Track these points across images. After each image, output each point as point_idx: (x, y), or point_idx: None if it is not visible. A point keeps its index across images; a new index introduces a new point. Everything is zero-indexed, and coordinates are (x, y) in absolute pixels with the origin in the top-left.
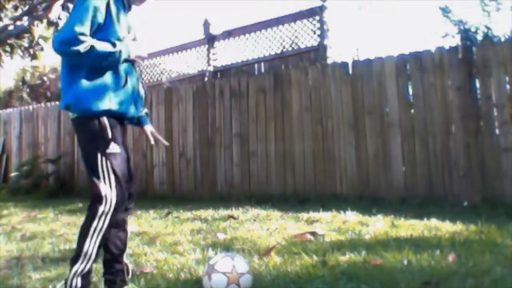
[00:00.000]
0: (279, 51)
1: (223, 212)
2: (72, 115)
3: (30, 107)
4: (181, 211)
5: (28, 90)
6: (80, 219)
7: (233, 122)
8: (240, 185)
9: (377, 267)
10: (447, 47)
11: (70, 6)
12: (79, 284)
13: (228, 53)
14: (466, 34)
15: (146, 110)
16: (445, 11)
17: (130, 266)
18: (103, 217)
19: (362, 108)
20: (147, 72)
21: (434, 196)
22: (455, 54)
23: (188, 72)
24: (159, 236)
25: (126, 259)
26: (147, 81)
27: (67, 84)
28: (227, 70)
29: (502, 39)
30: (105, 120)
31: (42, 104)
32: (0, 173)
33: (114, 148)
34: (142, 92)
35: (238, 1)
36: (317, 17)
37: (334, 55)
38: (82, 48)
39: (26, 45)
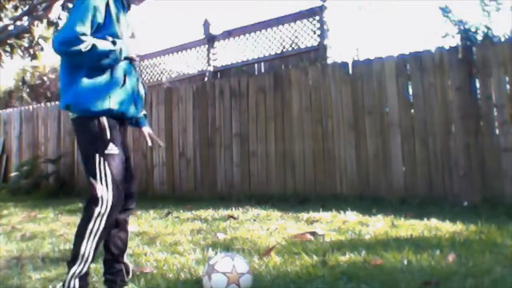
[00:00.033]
0: (279, 51)
1: (223, 212)
2: (72, 115)
3: (30, 107)
4: (181, 211)
5: (28, 90)
6: None
7: (233, 122)
8: (240, 185)
9: (377, 267)
10: (447, 47)
11: (70, 6)
12: (76, 286)
13: (228, 53)
14: (466, 34)
15: (144, 111)
16: (445, 11)
17: (131, 266)
18: (99, 218)
19: (362, 108)
20: (147, 72)
21: (434, 196)
22: (455, 54)
23: (188, 72)
24: (159, 236)
25: (126, 259)
26: (147, 81)
27: (67, 84)
28: (227, 70)
29: (502, 39)
30: (104, 120)
31: (42, 104)
32: (0, 173)
33: (112, 149)
34: (142, 92)
35: (238, 1)
36: (317, 17)
37: (334, 55)
38: (83, 47)
39: (26, 45)
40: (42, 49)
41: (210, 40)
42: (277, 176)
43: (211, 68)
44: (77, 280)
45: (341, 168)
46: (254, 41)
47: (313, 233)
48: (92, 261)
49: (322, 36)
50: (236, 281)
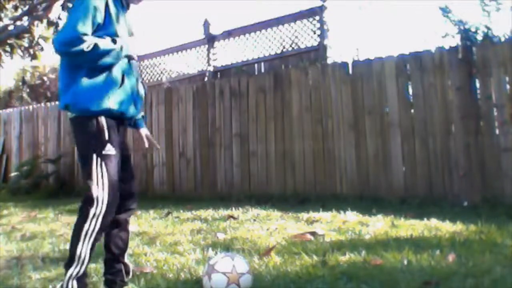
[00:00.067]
0: (279, 51)
1: (223, 212)
2: (70, 114)
3: (30, 107)
4: (181, 211)
5: (28, 90)
6: None
7: (233, 122)
8: (240, 185)
9: (377, 267)
10: (447, 47)
11: (70, 6)
12: (75, 287)
13: (228, 53)
14: (466, 34)
15: (142, 113)
16: (445, 11)
17: (131, 266)
18: (94, 219)
19: (362, 108)
20: (147, 72)
21: (434, 196)
22: (455, 54)
23: (188, 72)
24: (159, 236)
25: (126, 260)
26: (147, 81)
27: (66, 84)
28: (227, 70)
29: (502, 39)
30: (103, 120)
31: (42, 104)
32: (0, 173)
33: (110, 149)
34: (142, 92)
35: (238, 1)
36: (317, 17)
37: (334, 55)
38: (85, 47)
39: (26, 45)
40: (42, 49)
41: (210, 40)
42: (277, 176)
43: (211, 68)
44: (75, 281)
45: (341, 168)
46: (254, 41)
47: (313, 233)
48: (89, 261)
49: (322, 36)
50: (236, 281)
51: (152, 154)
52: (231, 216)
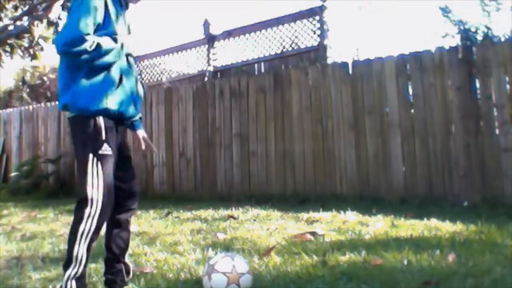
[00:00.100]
0: (279, 51)
1: (223, 212)
2: (69, 114)
3: (30, 107)
4: (181, 211)
5: (28, 90)
6: None
7: (233, 122)
8: (240, 185)
9: (377, 267)
10: (447, 47)
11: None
12: (74, 287)
13: (228, 53)
14: (466, 34)
15: (140, 115)
16: (445, 11)
17: (131, 266)
18: (89, 219)
19: (362, 108)
20: (147, 72)
21: (434, 196)
22: (455, 54)
23: (188, 72)
24: (159, 236)
25: (127, 259)
26: (147, 81)
27: (66, 84)
28: (227, 70)
29: (502, 39)
30: (101, 120)
31: (42, 104)
32: (0, 173)
33: (106, 150)
34: (141, 92)
35: (238, 1)
36: (317, 17)
37: (334, 55)
38: (88, 46)
39: (26, 45)
40: (42, 49)
41: (210, 40)
42: (277, 176)
43: (211, 68)
44: (73, 282)
45: (341, 168)
46: (254, 41)
47: (313, 233)
48: (87, 262)
49: (322, 36)
50: (236, 281)
51: (152, 154)
52: (231, 216)
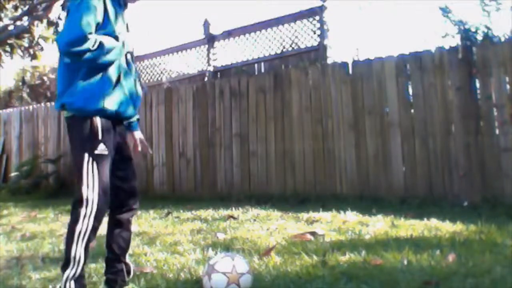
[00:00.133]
0: (279, 51)
1: (223, 212)
2: (66, 113)
3: (30, 107)
4: (181, 211)
5: (28, 90)
6: None
7: (233, 122)
8: (240, 185)
9: (377, 267)
10: (447, 47)
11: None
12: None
13: (228, 53)
14: (466, 34)
15: (138, 116)
16: (445, 11)
17: (132, 266)
18: (86, 220)
19: (362, 108)
20: (147, 72)
21: (434, 196)
22: (455, 54)
23: (188, 72)
24: (159, 236)
25: (127, 259)
26: (147, 81)
27: (65, 84)
28: (227, 70)
29: (502, 39)
30: (97, 120)
31: (42, 104)
32: (0, 173)
33: (102, 150)
34: (140, 92)
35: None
36: (317, 17)
37: (334, 55)
38: (91, 45)
39: (26, 45)
40: (42, 49)
41: (210, 40)
42: (277, 176)
43: (211, 68)
44: (72, 282)
45: (341, 168)
46: (254, 41)
47: (313, 233)
48: (85, 262)
49: (322, 36)
50: (236, 281)
51: (152, 154)
52: (231, 216)
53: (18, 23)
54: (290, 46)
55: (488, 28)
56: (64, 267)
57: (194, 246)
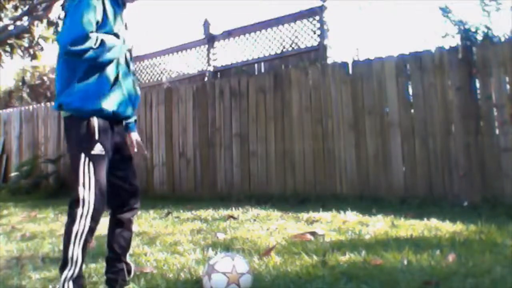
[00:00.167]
0: (279, 51)
1: (223, 212)
2: (64, 113)
3: (30, 107)
4: (181, 211)
5: (28, 90)
6: None
7: (233, 122)
8: (240, 185)
9: (377, 267)
10: (447, 47)
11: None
12: None
13: (228, 53)
14: (466, 34)
15: (135, 117)
16: (445, 11)
17: (132, 266)
18: (82, 220)
19: (362, 108)
20: (147, 72)
21: (434, 196)
22: (455, 54)
23: (188, 72)
24: (159, 236)
25: (128, 259)
26: (147, 81)
27: (63, 85)
28: (227, 70)
29: (502, 39)
30: (95, 121)
31: (42, 104)
32: (0, 173)
33: (99, 150)
34: (139, 92)
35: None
36: (317, 17)
37: (334, 55)
38: (93, 44)
39: (26, 45)
40: (42, 49)
41: (210, 40)
42: (277, 176)
43: (211, 68)
44: (71, 283)
45: (341, 168)
46: (254, 41)
47: (313, 233)
48: (83, 262)
49: (322, 36)
50: (236, 281)
51: (152, 154)
52: (231, 216)
53: (18, 23)
54: (290, 46)
55: (488, 28)
56: (62, 268)
57: (194, 246)
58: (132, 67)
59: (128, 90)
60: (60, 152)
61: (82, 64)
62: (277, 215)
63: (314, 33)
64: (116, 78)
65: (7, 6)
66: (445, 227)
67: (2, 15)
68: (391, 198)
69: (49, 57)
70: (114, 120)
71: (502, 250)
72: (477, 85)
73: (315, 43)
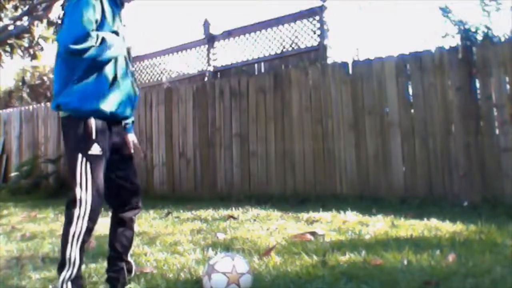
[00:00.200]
0: (279, 51)
1: (223, 212)
2: (62, 113)
3: (30, 107)
4: (181, 211)
5: (28, 90)
6: None
7: (233, 122)
8: (240, 185)
9: (377, 267)
10: (447, 47)
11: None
12: None
13: (228, 53)
14: (466, 34)
15: (133, 118)
16: (445, 11)
17: (133, 265)
18: (80, 220)
19: (362, 108)
20: (147, 72)
21: (434, 196)
22: (455, 54)
23: (188, 72)
24: (159, 236)
25: (129, 258)
26: (147, 81)
27: (61, 85)
28: (227, 70)
29: (502, 39)
30: (92, 121)
31: (42, 104)
32: (0, 173)
33: (96, 150)
34: (137, 92)
35: (238, 1)
36: (317, 17)
37: (334, 55)
38: (94, 42)
39: (26, 45)
40: (42, 49)
41: (210, 40)
42: (277, 176)
43: (211, 68)
44: (69, 284)
45: (341, 168)
46: (254, 41)
47: (313, 233)
48: (81, 263)
49: (322, 36)
50: (236, 281)
51: (152, 154)
52: (231, 216)
53: (18, 23)
54: (290, 46)
55: (488, 28)
56: (60, 269)
57: (194, 246)
58: (131, 67)
59: (127, 90)
60: (60, 152)
61: (81, 64)
62: (277, 215)
63: (314, 33)
64: (115, 78)
65: (7, 6)
66: (445, 227)
67: (2, 15)
68: (391, 198)
69: (49, 57)
70: (113, 120)
71: (502, 250)
72: (477, 85)
73: (315, 43)
